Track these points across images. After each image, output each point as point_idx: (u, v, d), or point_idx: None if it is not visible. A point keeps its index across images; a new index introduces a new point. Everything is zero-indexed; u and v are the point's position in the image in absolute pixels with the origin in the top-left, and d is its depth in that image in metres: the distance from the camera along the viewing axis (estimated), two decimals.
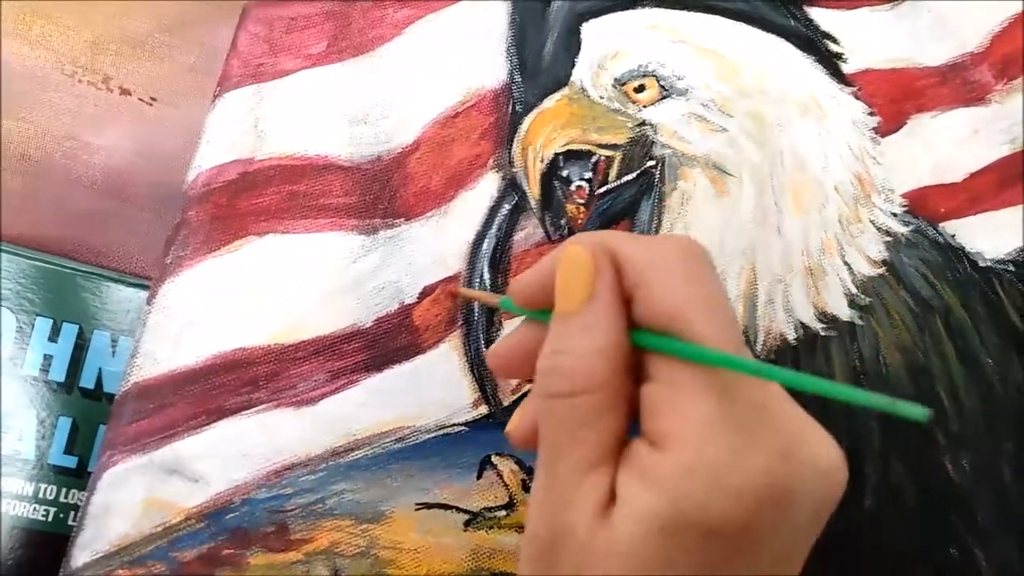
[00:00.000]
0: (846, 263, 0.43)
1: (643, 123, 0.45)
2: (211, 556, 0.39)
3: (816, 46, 0.48)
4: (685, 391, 0.23)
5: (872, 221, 0.44)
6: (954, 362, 0.41)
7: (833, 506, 0.23)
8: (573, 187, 0.44)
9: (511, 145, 0.45)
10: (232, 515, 0.40)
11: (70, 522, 0.43)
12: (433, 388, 0.41)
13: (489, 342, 0.42)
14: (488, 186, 0.45)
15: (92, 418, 0.44)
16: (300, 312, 0.43)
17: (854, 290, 0.43)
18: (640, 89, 0.46)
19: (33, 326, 0.45)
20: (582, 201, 0.44)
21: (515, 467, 0.40)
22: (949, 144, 0.46)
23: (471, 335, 0.42)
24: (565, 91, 0.46)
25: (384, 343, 0.42)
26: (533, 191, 0.44)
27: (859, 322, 0.42)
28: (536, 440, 0.25)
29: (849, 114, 0.46)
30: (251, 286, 0.43)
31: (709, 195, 0.44)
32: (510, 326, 0.41)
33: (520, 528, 0.39)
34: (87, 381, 0.45)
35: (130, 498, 0.40)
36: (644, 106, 0.45)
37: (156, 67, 0.53)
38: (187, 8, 0.54)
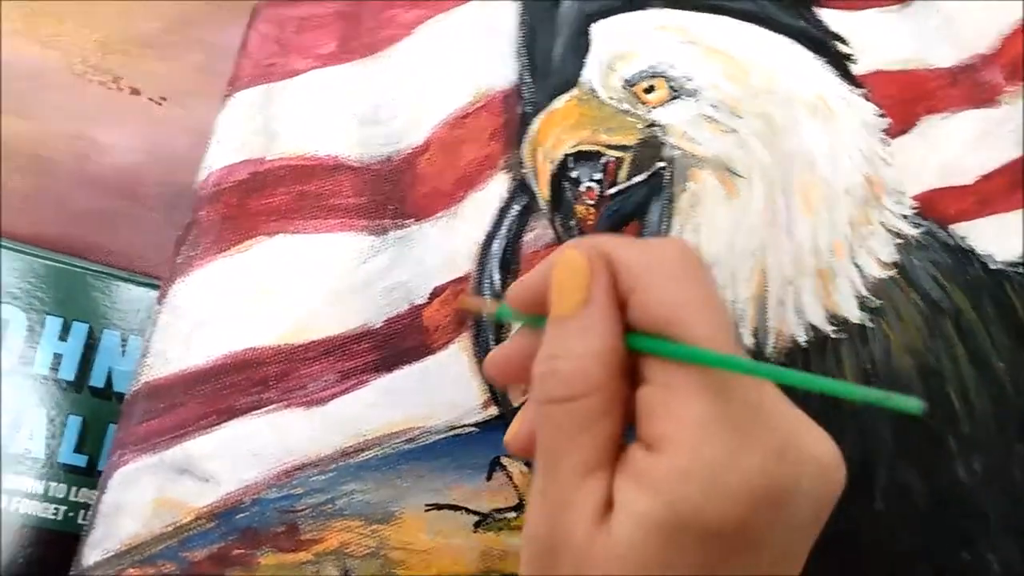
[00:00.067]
0: (856, 265, 0.43)
1: (653, 124, 0.45)
2: (221, 556, 0.39)
3: (826, 47, 0.48)
4: (680, 393, 0.23)
5: (882, 223, 0.44)
6: (965, 364, 0.41)
7: (832, 504, 0.23)
8: (583, 188, 0.44)
9: (521, 146, 0.45)
10: (242, 515, 0.40)
11: (80, 520, 0.43)
12: (443, 389, 0.41)
13: (499, 343, 0.42)
14: (498, 187, 0.45)
15: (102, 417, 0.44)
16: (310, 312, 0.43)
17: (864, 292, 0.42)
18: (650, 90, 0.45)
19: (43, 325, 0.45)
20: (592, 202, 0.44)
21: (525, 468, 0.40)
22: (959, 146, 0.46)
23: (481, 336, 0.42)
24: (575, 92, 0.46)
25: (394, 343, 0.42)
26: (543, 192, 0.44)
27: (869, 324, 0.42)
28: (534, 448, 0.25)
29: (859, 115, 0.46)
30: (261, 286, 0.43)
31: (719, 196, 0.44)
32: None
33: None
34: (97, 380, 0.45)
35: (141, 497, 0.40)
36: (654, 107, 0.45)
37: (166, 67, 0.53)
38: (197, 8, 0.54)
